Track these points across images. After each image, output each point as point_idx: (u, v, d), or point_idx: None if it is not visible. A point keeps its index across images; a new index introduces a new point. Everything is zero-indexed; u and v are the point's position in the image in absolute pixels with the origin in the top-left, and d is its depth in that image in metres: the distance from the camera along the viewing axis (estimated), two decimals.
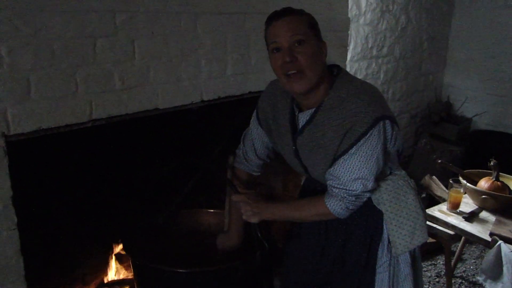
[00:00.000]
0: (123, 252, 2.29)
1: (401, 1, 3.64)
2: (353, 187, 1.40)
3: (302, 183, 1.83)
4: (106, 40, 1.57)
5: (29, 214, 1.62)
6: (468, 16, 4.15)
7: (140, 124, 1.91)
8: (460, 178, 2.56)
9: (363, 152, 1.36)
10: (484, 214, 2.44)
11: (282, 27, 1.35)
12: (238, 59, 2.03)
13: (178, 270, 1.74)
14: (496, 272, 2.14)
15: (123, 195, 2.20)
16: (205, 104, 1.97)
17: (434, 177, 3.13)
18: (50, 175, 1.96)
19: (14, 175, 1.45)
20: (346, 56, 2.74)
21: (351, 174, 1.38)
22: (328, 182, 1.45)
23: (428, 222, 1.96)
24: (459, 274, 2.93)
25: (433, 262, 3.04)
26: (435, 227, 2.41)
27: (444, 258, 2.61)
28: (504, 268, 2.10)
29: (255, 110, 1.69)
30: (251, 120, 1.72)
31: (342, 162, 1.38)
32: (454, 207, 2.48)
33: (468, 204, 2.54)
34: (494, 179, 2.51)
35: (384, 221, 1.53)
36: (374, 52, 3.55)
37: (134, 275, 2.00)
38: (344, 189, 1.41)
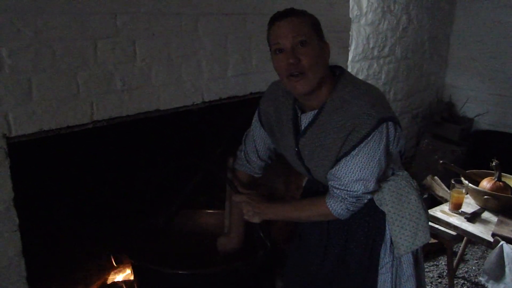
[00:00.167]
0: (124, 254, 2.29)
1: (402, 1, 3.64)
2: (354, 188, 1.40)
3: (304, 184, 1.82)
4: (107, 42, 1.57)
5: (31, 215, 1.62)
6: (469, 16, 4.14)
7: (141, 125, 1.91)
8: (462, 179, 2.56)
9: (365, 154, 1.35)
10: (486, 215, 2.44)
11: (285, 28, 1.35)
12: (239, 60, 2.03)
13: (181, 272, 1.73)
14: (498, 272, 2.14)
15: (124, 196, 2.20)
16: (206, 105, 1.97)
17: (436, 177, 3.12)
18: (52, 176, 1.97)
19: (15, 176, 1.46)
20: (348, 56, 2.74)
21: (353, 175, 1.38)
22: (329, 183, 1.45)
23: (430, 223, 1.96)
24: (461, 275, 2.92)
25: (435, 262, 3.04)
26: (437, 228, 2.40)
27: (446, 259, 2.61)
28: (507, 269, 2.10)
29: (257, 111, 1.69)
30: (253, 121, 1.71)
31: (344, 163, 1.38)
32: (456, 208, 2.47)
33: (470, 205, 2.53)
34: (496, 179, 2.51)
35: (386, 222, 1.53)
36: (376, 52, 3.54)
37: (135, 276, 2.00)
38: (345, 190, 1.40)
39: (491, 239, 2.19)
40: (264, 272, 1.85)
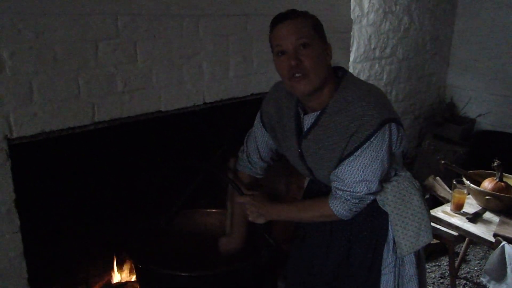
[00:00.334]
0: (126, 255, 2.29)
1: (404, 2, 3.63)
2: (357, 189, 1.40)
3: (305, 185, 1.82)
4: (108, 43, 1.58)
5: (32, 217, 1.62)
6: (471, 16, 4.13)
7: (142, 127, 1.91)
8: (464, 179, 2.55)
9: (368, 155, 1.35)
10: (488, 215, 2.43)
11: (287, 30, 1.34)
12: (241, 61, 2.03)
13: (183, 274, 1.73)
14: (500, 273, 2.14)
15: (125, 197, 2.20)
16: (207, 106, 1.96)
17: (437, 178, 3.12)
18: (53, 178, 1.97)
19: (16, 178, 1.46)
20: (349, 57, 2.74)
21: (356, 176, 1.38)
22: (332, 184, 1.45)
23: (431, 223, 1.96)
24: (463, 275, 2.92)
25: (437, 263, 3.03)
26: (438, 228, 2.40)
27: (448, 259, 2.60)
28: (508, 269, 2.10)
29: (259, 112, 1.69)
30: (255, 122, 1.71)
31: (347, 164, 1.38)
32: (458, 208, 2.47)
33: (471, 205, 2.53)
34: (497, 179, 2.50)
35: (389, 222, 1.53)
36: (377, 53, 3.54)
37: (137, 278, 2.00)
38: (348, 191, 1.40)
39: (493, 240, 2.18)
40: (266, 273, 1.84)
